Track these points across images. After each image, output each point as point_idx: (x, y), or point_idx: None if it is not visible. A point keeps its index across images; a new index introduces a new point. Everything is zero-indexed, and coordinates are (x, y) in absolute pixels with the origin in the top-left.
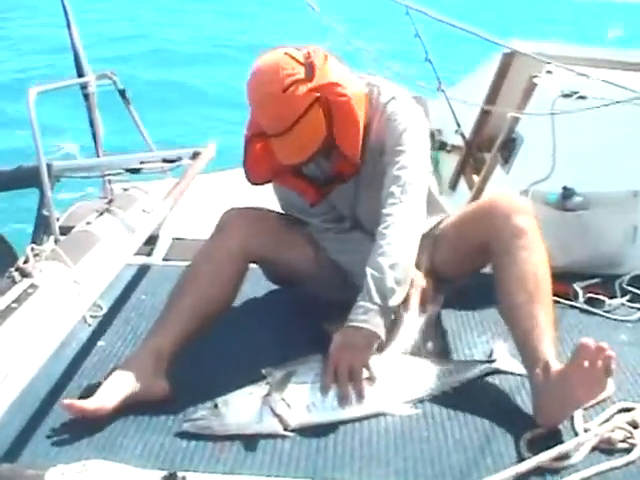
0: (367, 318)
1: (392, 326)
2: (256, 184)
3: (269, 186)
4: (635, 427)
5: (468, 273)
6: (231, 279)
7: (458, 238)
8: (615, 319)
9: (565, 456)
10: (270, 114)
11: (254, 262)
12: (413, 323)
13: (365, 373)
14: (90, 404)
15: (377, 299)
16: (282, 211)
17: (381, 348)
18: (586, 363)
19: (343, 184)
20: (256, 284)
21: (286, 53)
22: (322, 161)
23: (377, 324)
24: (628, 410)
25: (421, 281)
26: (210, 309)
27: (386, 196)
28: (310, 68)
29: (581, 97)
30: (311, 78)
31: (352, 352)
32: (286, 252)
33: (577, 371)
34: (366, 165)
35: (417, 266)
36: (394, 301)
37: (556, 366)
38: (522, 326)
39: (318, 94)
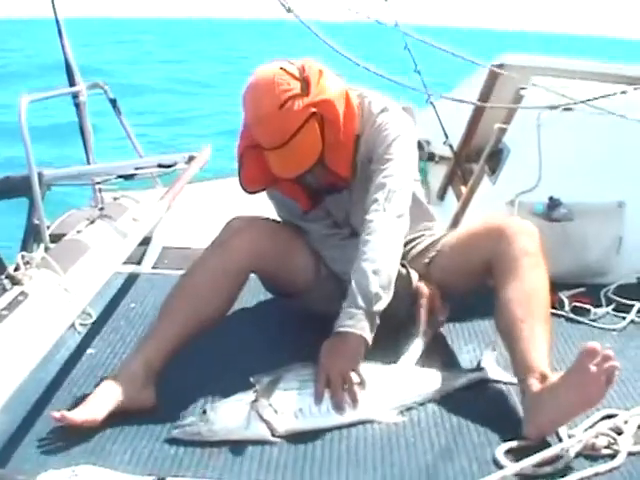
0: (353, 323)
1: (405, 337)
2: (251, 193)
3: (262, 194)
4: (619, 433)
5: (465, 291)
6: (229, 292)
7: (459, 257)
8: (600, 328)
9: (549, 462)
10: (267, 130)
11: (254, 272)
12: (424, 333)
13: (355, 378)
14: (79, 416)
15: (362, 303)
16: (279, 218)
17: (394, 359)
18: (592, 367)
19: (336, 193)
20: (251, 292)
21: (281, 68)
22: (316, 169)
23: (363, 328)
24: (612, 417)
25: (428, 290)
26: (204, 321)
27: (370, 202)
28: (306, 83)
29: (567, 109)
30: (307, 93)
31: (342, 358)
32: (287, 265)
33: (581, 374)
34: (357, 174)
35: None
36: (379, 306)
37: (553, 377)
38: (519, 338)
39: (314, 109)
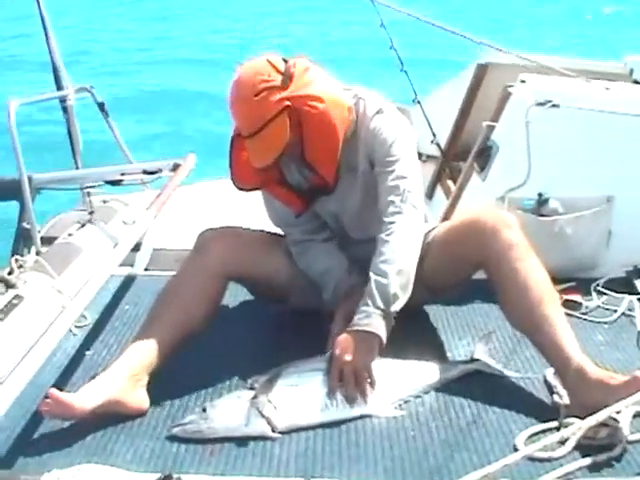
0: (370, 322)
1: None
2: (242, 189)
3: (247, 197)
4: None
5: (454, 285)
6: (211, 297)
7: (445, 254)
8: (592, 321)
9: (550, 449)
10: (240, 116)
11: (233, 279)
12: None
13: (367, 376)
14: (68, 397)
15: (380, 304)
16: (270, 220)
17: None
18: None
19: (328, 195)
20: (240, 297)
21: (268, 60)
22: (305, 171)
23: (379, 327)
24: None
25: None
26: (191, 324)
27: (386, 205)
28: (288, 78)
29: (554, 105)
30: (286, 87)
31: (357, 355)
32: (263, 268)
33: (625, 391)
34: (355, 176)
35: None
36: (396, 306)
37: (590, 366)
38: (540, 329)
39: (289, 103)
